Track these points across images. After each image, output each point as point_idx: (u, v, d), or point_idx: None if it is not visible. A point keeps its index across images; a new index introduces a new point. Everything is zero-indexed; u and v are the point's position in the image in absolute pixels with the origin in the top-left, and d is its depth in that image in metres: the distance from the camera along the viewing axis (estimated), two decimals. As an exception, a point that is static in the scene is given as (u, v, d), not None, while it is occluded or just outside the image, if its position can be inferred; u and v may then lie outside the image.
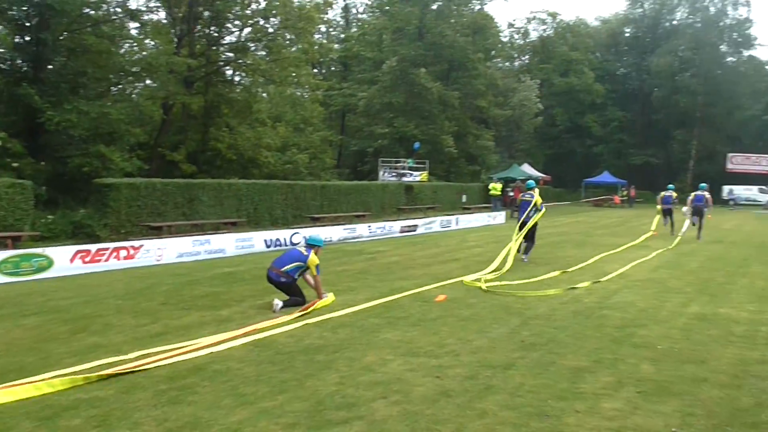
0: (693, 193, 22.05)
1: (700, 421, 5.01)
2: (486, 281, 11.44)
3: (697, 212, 21.28)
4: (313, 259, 9.35)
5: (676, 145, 60.93)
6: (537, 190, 15.18)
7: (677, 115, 59.78)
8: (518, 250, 14.53)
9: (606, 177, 52.16)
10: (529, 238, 14.80)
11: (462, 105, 43.97)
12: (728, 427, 4.91)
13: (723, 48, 61.01)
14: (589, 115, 62.21)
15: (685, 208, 22.02)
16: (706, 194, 21.39)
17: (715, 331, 8.07)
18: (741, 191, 51.12)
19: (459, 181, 41.60)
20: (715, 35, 59.40)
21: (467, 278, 11.80)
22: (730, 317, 8.91)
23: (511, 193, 33.94)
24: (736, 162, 54.94)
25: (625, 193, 49.06)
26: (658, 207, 23.17)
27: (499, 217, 29.44)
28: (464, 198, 36.92)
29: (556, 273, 12.67)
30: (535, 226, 14.80)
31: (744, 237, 22.68)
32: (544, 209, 15.02)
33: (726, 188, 51.81)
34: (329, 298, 9.63)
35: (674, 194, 23.12)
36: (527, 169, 46.31)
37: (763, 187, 50.89)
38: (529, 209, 14.66)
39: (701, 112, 58.57)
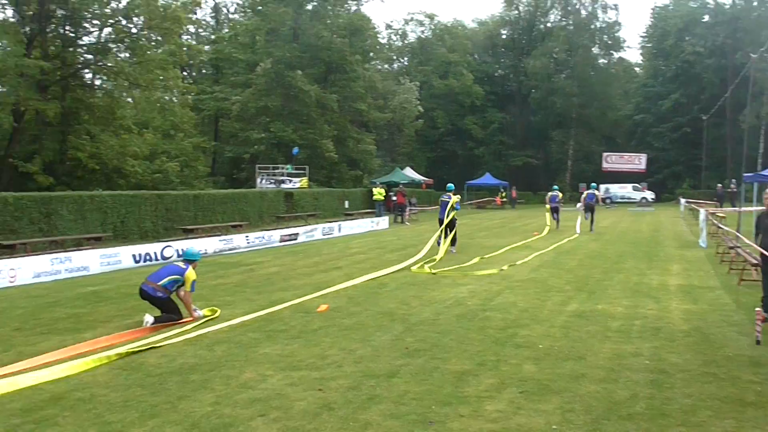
0: (585, 192, 26.39)
1: (579, 417, 5.27)
2: (430, 267, 14.23)
3: (589, 208, 25.24)
4: (190, 274, 9.16)
5: (554, 145, 64.35)
6: (454, 194, 18.35)
7: (554, 116, 63.01)
8: (438, 242, 17.53)
9: (488, 179, 53.74)
10: (451, 231, 17.92)
11: (341, 108, 44.17)
12: (605, 421, 5.19)
13: (595, 50, 64.68)
14: (469, 117, 64.20)
15: (579, 205, 26.10)
16: (597, 193, 26.13)
17: (593, 327, 8.53)
18: (617, 189, 54.23)
19: (341, 186, 41.78)
20: (587, 38, 62.89)
21: (414, 267, 14.39)
22: (606, 313, 9.43)
23: (395, 198, 34.43)
24: (611, 161, 58.27)
25: (502, 194, 50.80)
26: (547, 206, 27.01)
27: (383, 222, 29.74)
28: (347, 204, 37.09)
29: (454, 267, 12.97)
30: (454, 221, 18.02)
31: (619, 234, 24.10)
32: (459, 208, 18.41)
33: (602, 187, 55.02)
34: (206, 312, 9.46)
35: (560, 194, 27.41)
36: (409, 172, 47.15)
37: (637, 185, 54.15)
38: (447, 209, 17.80)
39: (577, 113, 62.06)
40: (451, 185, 19.59)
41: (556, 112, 62.22)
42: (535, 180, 62.10)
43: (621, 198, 53.75)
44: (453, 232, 18.10)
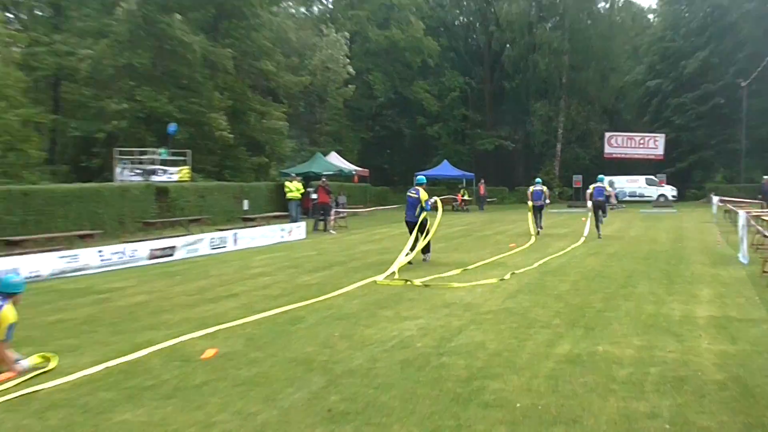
0: (592, 186, 27.38)
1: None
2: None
3: (598, 207, 26.64)
4: (6, 315, 8.83)
5: (538, 122, 64.96)
6: (425, 188, 19.98)
7: (537, 81, 63.76)
8: (411, 250, 19.20)
9: (445, 169, 54.15)
10: (424, 236, 19.54)
11: (239, 69, 43.95)
12: None
13: (592, -11, 65.34)
14: (419, 82, 64.49)
15: (589, 204, 26.99)
16: (607, 187, 27.49)
17: (592, 377, 8.53)
18: (624, 184, 55.14)
19: (238, 179, 41.58)
20: (581, -28, 63.67)
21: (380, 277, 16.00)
22: (610, 357, 9.44)
23: (315, 195, 34.23)
24: (616, 144, 59.29)
25: (463, 191, 50.76)
26: (529, 204, 28.24)
27: (299, 230, 29.61)
28: (246, 204, 36.86)
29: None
30: (425, 223, 19.66)
31: (628, 245, 24.40)
32: (429, 208, 19.81)
33: (605, 180, 55.72)
34: (36, 361, 9.17)
35: (545, 189, 28.73)
36: (336, 160, 47.18)
37: (651, 177, 54.99)
38: (417, 208, 19.50)
39: (568, 78, 63.03)
40: (421, 177, 21.12)
41: (540, 76, 63.02)
42: (512, 170, 63.16)
43: (630, 195, 54.87)
44: (426, 238, 19.69)
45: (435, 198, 20.78)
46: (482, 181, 52.47)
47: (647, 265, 18.92)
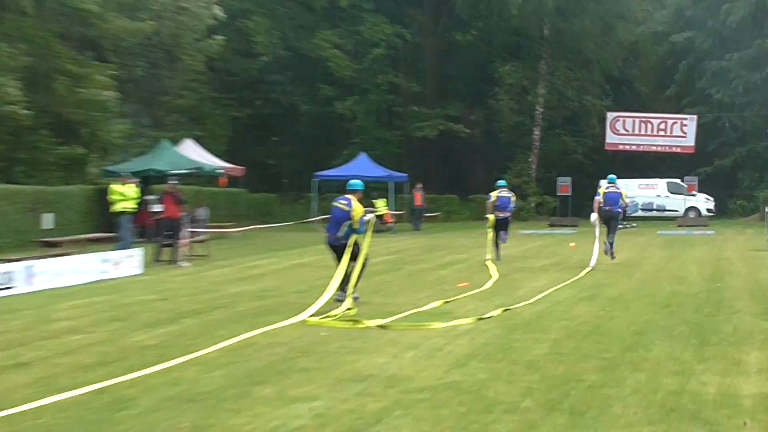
0: (602, 190, 28.65)
1: None
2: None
3: (611, 218, 28.05)
4: None
5: (506, 96, 64.97)
6: (358, 199, 20.77)
7: (506, 33, 64.00)
8: (341, 290, 20.26)
9: (364, 166, 53.42)
10: (359, 265, 20.45)
11: (40, 10, 43.43)
12: None
13: None
14: (324, 32, 64.36)
15: (593, 217, 28.15)
16: (624, 194, 28.55)
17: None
18: (635, 190, 55.36)
19: (36, 181, 41.16)
20: None
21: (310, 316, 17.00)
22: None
23: (159, 207, 33.90)
24: (624, 130, 59.27)
25: (380, 204, 49.77)
26: (491, 218, 29.22)
27: (131, 260, 29.33)
28: (48, 220, 36.70)
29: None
30: (357, 247, 20.62)
31: (639, 286, 24.49)
32: (364, 230, 20.56)
33: (617, 182, 55.75)
34: None
35: (513, 195, 29.96)
36: (192, 151, 46.85)
37: (677, 181, 55.41)
38: (345, 226, 20.43)
39: (553, 28, 63.34)
40: (357, 182, 21.86)
41: (511, 24, 63.14)
42: (465, 169, 63.27)
43: (643, 209, 55.98)
44: (359, 267, 20.66)
45: (371, 215, 21.37)
46: (419, 185, 51.90)
47: (668, 316, 18.91)
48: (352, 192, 20.85)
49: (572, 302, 21.18)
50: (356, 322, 17.10)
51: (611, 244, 27.72)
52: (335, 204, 20.80)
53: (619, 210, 27.87)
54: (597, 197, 28.42)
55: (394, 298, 22.33)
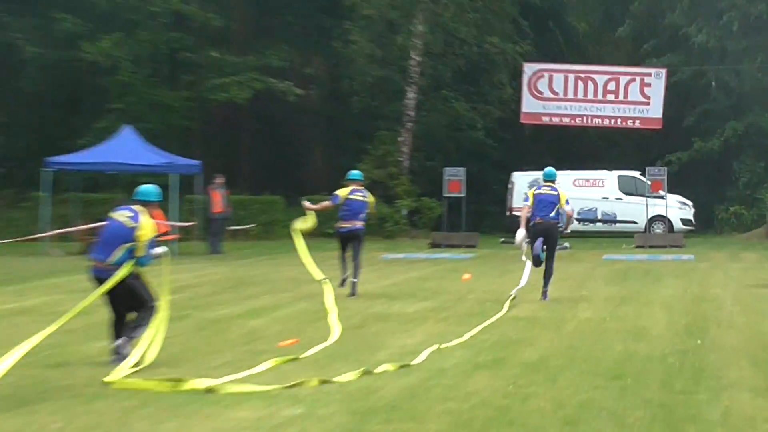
0: (530, 192, 24.30)
1: None
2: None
3: (544, 234, 23.40)
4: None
5: (361, 35, 58.53)
6: (145, 205, 17.20)
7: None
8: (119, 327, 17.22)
9: (130, 146, 45.93)
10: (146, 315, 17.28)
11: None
12: None
13: None
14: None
15: (520, 235, 24.22)
16: (563, 197, 23.86)
17: None
18: (571, 188, 48.11)
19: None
20: None
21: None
22: None
23: None
24: (551, 91, 53.11)
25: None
26: (309, 218, 25.54)
27: None
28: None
29: None
30: (135, 285, 17.23)
31: (572, 341, 19.64)
32: (147, 261, 16.93)
33: (522, 178, 49.49)
34: None
35: (370, 197, 25.23)
36: None
37: (634, 174, 50.31)
38: (119, 246, 16.74)
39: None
40: (151, 189, 17.83)
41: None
42: (296, 155, 58.84)
43: (580, 218, 49.45)
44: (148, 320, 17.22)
45: (164, 248, 17.94)
46: (219, 180, 44.97)
47: (618, 394, 14.49)
48: (144, 203, 16.55)
49: (465, 371, 16.35)
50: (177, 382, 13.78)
51: (547, 279, 23.66)
52: (113, 215, 16.58)
53: (554, 219, 23.49)
54: (525, 203, 24.47)
55: (173, 366, 16.46)
